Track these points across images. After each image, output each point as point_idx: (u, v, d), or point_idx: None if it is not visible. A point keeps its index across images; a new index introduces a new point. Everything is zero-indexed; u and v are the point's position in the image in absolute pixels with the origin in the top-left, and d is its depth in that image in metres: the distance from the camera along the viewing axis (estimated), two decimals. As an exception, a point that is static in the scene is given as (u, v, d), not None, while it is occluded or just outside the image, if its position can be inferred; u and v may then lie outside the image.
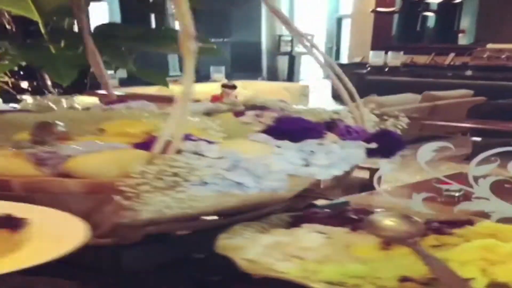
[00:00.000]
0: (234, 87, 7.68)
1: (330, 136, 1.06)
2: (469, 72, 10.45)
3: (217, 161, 0.83)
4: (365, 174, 2.38)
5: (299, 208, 1.17)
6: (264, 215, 1.04)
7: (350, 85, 1.22)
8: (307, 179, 1.00)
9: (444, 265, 0.79)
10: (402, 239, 0.92)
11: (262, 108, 1.29)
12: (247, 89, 8.51)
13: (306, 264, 0.83)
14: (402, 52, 11.57)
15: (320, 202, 1.25)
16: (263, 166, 0.88)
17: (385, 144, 1.08)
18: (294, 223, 1.03)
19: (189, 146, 0.83)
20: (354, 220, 1.02)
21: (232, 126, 1.08)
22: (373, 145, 1.06)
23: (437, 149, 1.17)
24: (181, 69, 0.88)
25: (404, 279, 0.80)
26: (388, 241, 0.93)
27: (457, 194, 2.56)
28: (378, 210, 1.08)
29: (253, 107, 1.31)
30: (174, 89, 1.17)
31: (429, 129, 3.53)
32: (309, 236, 0.91)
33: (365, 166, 1.45)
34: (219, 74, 9.83)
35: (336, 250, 0.89)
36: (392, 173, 1.23)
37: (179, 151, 0.82)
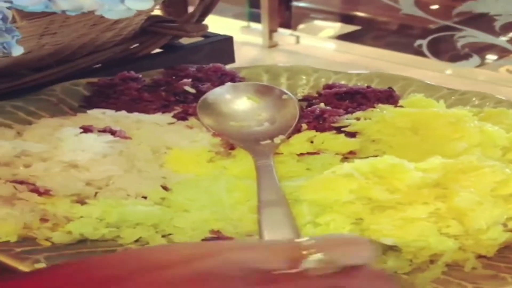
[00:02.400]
0: None
1: None
2: None
3: None
4: None
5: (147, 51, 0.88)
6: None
7: None
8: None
9: (284, 213, 0.50)
10: (249, 141, 0.62)
11: None
12: None
13: (48, 206, 0.54)
14: None
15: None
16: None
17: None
18: (90, 99, 0.73)
19: None
20: (188, 96, 0.71)
21: None
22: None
23: None
24: None
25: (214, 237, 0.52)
26: (230, 144, 0.64)
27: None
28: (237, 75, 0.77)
29: None
30: None
31: None
32: (78, 142, 0.61)
33: None
34: None
35: (129, 167, 0.60)
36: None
37: None
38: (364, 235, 0.51)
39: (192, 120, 0.67)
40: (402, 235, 0.50)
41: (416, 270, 0.49)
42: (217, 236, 0.52)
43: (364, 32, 2.94)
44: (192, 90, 0.72)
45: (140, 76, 0.75)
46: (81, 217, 0.53)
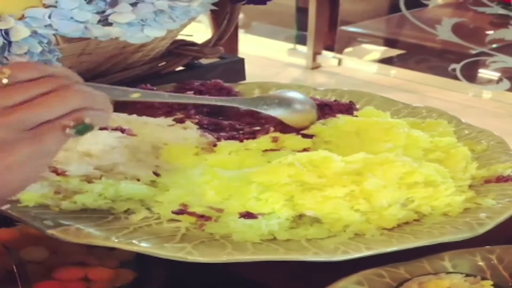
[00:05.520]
0: None
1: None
2: None
3: None
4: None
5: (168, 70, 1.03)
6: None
7: None
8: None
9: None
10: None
11: None
12: None
13: (62, 183, 0.69)
14: None
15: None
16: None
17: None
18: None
19: None
20: (189, 104, 0.85)
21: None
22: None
23: None
24: None
25: (181, 211, 0.66)
26: (213, 142, 0.78)
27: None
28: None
29: None
30: None
31: None
32: (94, 137, 0.76)
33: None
34: None
35: (131, 157, 0.74)
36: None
37: None
38: (294, 209, 0.64)
39: (187, 123, 0.81)
40: (320, 208, 0.63)
41: (331, 236, 0.62)
42: (184, 208, 0.66)
43: (408, 56, 3.05)
44: (192, 100, 0.86)
45: (155, 88, 0.90)
46: (86, 191, 0.68)
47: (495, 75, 2.44)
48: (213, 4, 0.96)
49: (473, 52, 2.39)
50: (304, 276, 0.64)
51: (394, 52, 3.02)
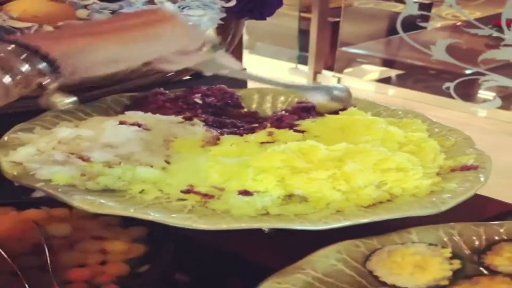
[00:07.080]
0: None
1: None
2: None
3: None
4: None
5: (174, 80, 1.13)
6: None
7: None
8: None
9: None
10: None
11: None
12: None
13: (87, 168, 0.79)
14: None
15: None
16: None
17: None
18: (129, 106, 0.99)
19: None
20: (196, 106, 0.96)
21: None
22: (232, 2, 0.97)
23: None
24: None
25: (188, 191, 0.76)
26: (218, 137, 0.88)
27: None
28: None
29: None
30: None
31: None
32: (115, 130, 0.87)
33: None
34: None
35: (146, 148, 0.85)
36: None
37: None
38: (285, 189, 0.74)
39: (195, 121, 0.92)
40: (307, 188, 0.73)
41: (316, 212, 0.72)
42: (191, 188, 0.76)
43: (406, 76, 3.16)
44: (199, 101, 0.97)
45: (167, 92, 1.01)
46: (108, 174, 0.78)
47: (488, 94, 2.55)
48: (220, 19, 1.07)
49: (467, 72, 2.50)
50: (291, 249, 0.74)
51: (392, 72, 3.13)
